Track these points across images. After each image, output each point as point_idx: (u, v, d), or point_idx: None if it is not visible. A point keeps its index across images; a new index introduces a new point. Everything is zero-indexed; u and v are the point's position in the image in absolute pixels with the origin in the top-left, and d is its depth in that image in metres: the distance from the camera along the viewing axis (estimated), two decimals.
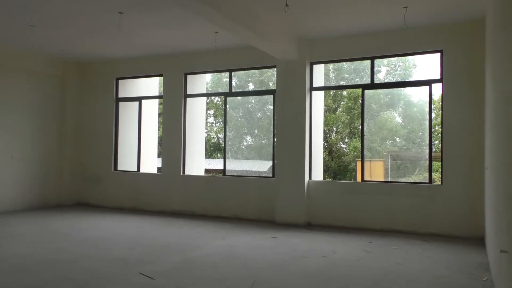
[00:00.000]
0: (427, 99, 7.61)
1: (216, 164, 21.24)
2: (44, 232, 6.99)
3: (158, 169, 10.66)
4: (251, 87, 22.78)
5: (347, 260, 5.42)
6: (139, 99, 10.21)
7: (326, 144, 20.54)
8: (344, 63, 18.19)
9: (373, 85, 8.36)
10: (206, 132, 12.15)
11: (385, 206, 7.48)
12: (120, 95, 10.36)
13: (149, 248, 5.94)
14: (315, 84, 8.31)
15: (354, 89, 19.14)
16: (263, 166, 21.18)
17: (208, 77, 20.99)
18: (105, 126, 10.34)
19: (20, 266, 4.90)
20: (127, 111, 10.43)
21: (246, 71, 10.84)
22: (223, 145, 10.52)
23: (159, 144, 11.64)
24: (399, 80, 19.56)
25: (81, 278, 4.48)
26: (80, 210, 9.68)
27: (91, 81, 10.59)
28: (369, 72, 8.36)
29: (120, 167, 10.28)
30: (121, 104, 10.36)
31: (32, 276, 4.51)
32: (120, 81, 10.36)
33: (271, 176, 8.70)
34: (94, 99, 10.54)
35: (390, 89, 19.67)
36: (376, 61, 8.18)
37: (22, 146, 9.53)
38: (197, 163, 9.74)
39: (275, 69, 8.54)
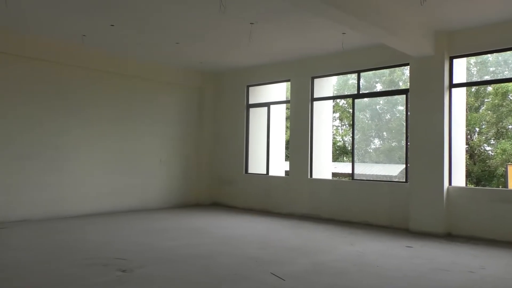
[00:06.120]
0: None
1: (342, 167, 20.84)
2: (185, 228, 7.71)
3: (286, 172, 10.90)
4: (378, 87, 21.82)
5: (500, 278, 4.74)
6: (267, 104, 10.61)
7: (467, 146, 18.46)
8: (489, 55, 16.13)
9: None
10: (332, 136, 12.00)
11: None
12: (250, 101, 10.91)
13: (278, 249, 6.08)
14: (455, 81, 7.52)
15: (502, 84, 16.87)
16: (393, 170, 20.05)
17: (333, 79, 20.78)
18: (237, 131, 11.00)
19: (164, 257, 5.45)
20: (256, 116, 10.92)
21: (374, 71, 10.41)
22: (349, 148, 10.25)
23: (286, 147, 11.92)
24: None
25: (218, 273, 4.80)
26: (216, 209, 10.45)
27: (225, 90, 11.38)
28: None
29: (250, 170, 10.80)
30: (251, 110, 10.91)
31: (175, 268, 4.99)
32: (250, 88, 10.92)
33: (404, 180, 8.16)
34: (227, 107, 11.31)
35: None
36: None
37: (168, 150, 10.71)
38: (324, 166, 9.67)
39: (407, 68, 8.00)
